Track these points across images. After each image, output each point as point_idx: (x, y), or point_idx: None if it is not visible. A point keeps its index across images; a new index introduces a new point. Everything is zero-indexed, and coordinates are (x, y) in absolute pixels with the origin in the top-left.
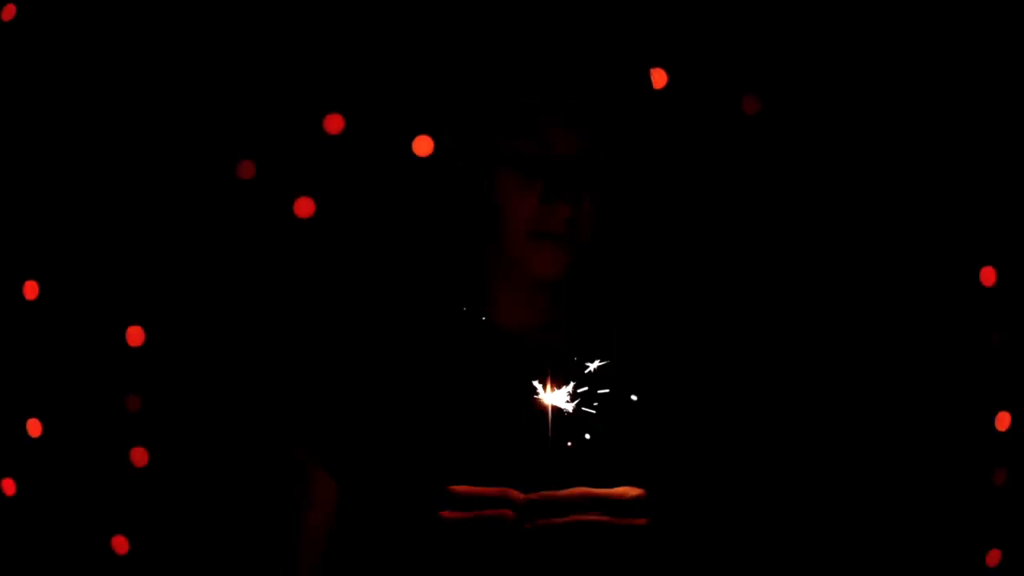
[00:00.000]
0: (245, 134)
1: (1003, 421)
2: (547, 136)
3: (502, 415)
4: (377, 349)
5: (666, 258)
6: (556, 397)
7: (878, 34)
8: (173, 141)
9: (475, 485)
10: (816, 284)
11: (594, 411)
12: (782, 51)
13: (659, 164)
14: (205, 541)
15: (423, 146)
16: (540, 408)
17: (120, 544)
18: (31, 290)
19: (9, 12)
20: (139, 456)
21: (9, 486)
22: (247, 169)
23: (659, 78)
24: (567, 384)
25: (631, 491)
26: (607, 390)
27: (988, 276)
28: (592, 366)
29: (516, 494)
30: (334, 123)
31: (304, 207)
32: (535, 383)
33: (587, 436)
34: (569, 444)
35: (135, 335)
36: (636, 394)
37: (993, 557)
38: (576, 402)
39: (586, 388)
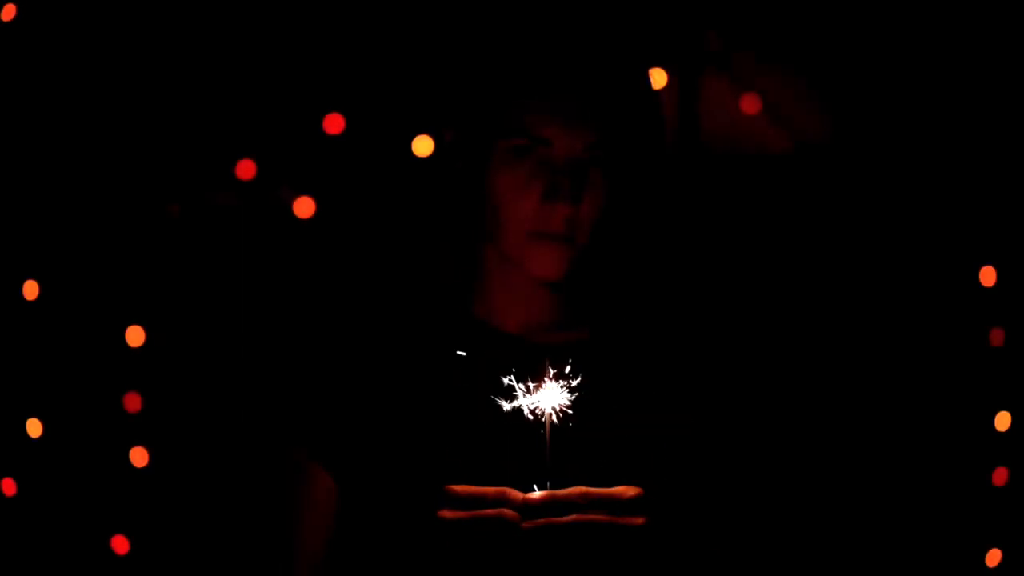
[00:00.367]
0: (245, 134)
1: (1003, 421)
2: (547, 135)
3: (501, 415)
4: (376, 349)
5: (666, 258)
6: (555, 397)
7: (880, 31)
8: (173, 141)
9: (474, 485)
10: (816, 283)
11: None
12: (780, 46)
13: (659, 164)
14: (205, 541)
15: (423, 146)
16: (539, 408)
17: (120, 544)
18: (31, 290)
19: (9, 12)
20: (139, 456)
21: (9, 486)
22: (247, 169)
23: (659, 78)
24: (566, 384)
25: (629, 490)
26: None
27: (988, 276)
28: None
29: (515, 494)
30: (334, 123)
31: (304, 207)
32: (534, 383)
33: (586, 436)
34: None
35: (135, 335)
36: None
37: (993, 557)
38: (575, 402)
39: (585, 388)
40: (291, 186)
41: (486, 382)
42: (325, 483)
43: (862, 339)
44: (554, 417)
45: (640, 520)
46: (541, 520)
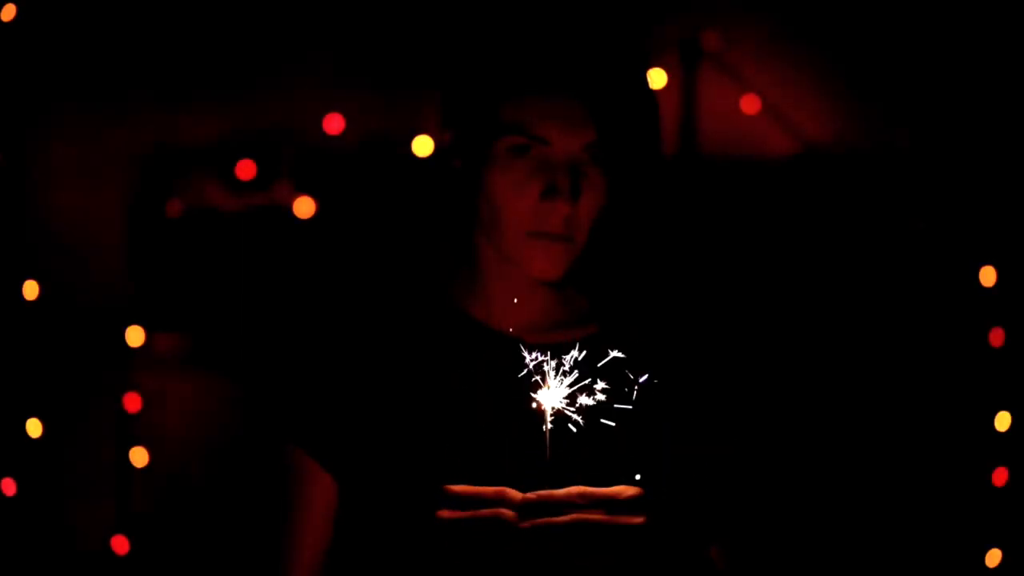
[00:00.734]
0: (245, 134)
1: (1003, 421)
2: (545, 135)
3: (500, 415)
4: (375, 348)
5: (665, 257)
6: (554, 397)
7: (881, 32)
8: (173, 141)
9: (473, 484)
10: (816, 283)
11: (592, 412)
12: (780, 52)
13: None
14: (205, 541)
15: (423, 146)
16: (538, 408)
17: (120, 544)
18: (31, 290)
19: (9, 12)
20: (139, 456)
21: (9, 486)
22: (247, 169)
23: (659, 78)
24: (565, 384)
25: (628, 490)
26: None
27: (988, 276)
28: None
29: (514, 493)
30: (334, 123)
31: (304, 207)
32: (533, 383)
33: (585, 436)
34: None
35: (135, 335)
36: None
37: (993, 557)
38: (574, 402)
39: (584, 388)
40: (291, 186)
41: (485, 382)
42: (324, 483)
43: (863, 339)
44: (554, 417)
45: (639, 519)
46: (540, 520)
